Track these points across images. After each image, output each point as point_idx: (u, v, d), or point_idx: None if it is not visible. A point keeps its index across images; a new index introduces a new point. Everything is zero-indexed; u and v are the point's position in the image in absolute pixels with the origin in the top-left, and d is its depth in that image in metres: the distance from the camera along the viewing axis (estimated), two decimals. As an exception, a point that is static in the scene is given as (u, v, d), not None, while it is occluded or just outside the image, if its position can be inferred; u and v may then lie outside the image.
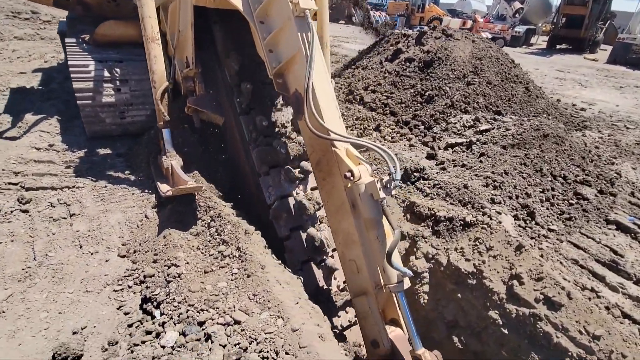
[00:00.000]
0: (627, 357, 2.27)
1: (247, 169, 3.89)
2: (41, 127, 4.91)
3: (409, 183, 4.24)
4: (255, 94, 3.89)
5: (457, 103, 6.34)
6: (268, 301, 2.20)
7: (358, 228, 2.83)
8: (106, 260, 2.98)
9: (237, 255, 2.70)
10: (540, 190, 4.03)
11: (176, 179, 3.33)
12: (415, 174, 4.25)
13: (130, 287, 2.68)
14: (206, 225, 3.11)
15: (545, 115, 6.88)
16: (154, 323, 2.23)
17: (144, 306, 2.44)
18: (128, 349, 2.11)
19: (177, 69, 3.99)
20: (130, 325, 2.33)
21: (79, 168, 4.25)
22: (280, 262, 3.12)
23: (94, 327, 2.35)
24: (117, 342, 2.20)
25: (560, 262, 3.13)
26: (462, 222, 3.40)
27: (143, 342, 2.12)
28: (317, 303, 2.63)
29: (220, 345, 1.94)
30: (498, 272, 2.98)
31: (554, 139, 4.86)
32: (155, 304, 2.37)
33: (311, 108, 2.65)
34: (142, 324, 2.30)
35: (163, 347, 2.01)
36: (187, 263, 2.63)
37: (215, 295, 2.33)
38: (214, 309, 2.19)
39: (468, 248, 3.21)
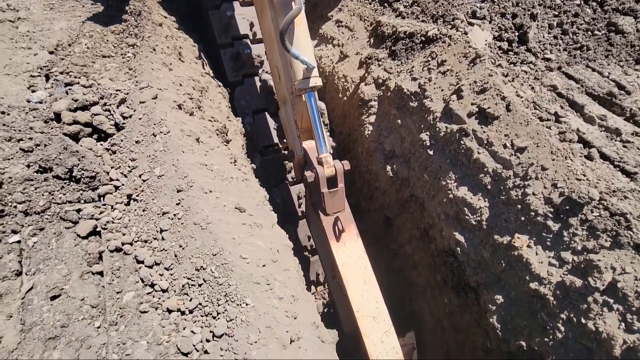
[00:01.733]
0: (547, 169, 1.86)
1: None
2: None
3: (386, 3, 3.45)
4: None
5: None
6: (137, 72, 2.03)
7: (274, 20, 2.40)
8: (35, 54, 2.98)
9: (139, 45, 2.49)
10: (555, 14, 3.06)
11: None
12: (395, -10, 3.40)
13: (45, 74, 2.68)
14: (128, 24, 2.87)
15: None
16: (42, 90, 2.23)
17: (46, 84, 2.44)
18: (8, 106, 2.17)
19: None
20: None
21: (36, -20, 4.04)
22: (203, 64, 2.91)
23: (2, 97, 2.44)
24: (11, 110, 2.26)
25: (532, 87, 2.50)
26: (423, 38, 2.75)
27: (20, 103, 2.15)
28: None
29: (71, 99, 1.88)
30: (442, 90, 2.48)
31: (614, -49, 3.46)
32: (48, 78, 2.35)
33: None
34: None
35: (28, 100, 2.01)
36: (88, 48, 2.49)
37: (98, 71, 2.22)
38: (85, 76, 2.10)
39: (419, 66, 2.66)
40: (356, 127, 3.30)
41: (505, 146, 2.05)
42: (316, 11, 4.06)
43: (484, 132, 2.15)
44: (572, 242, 1.80)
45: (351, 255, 2.33)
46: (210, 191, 1.51)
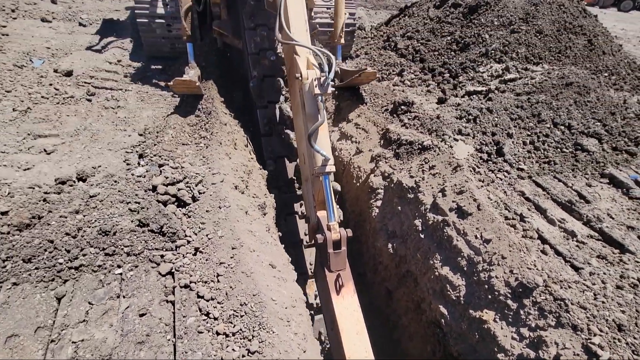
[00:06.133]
0: (506, 258, 2.41)
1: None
2: (116, 46, 6.21)
3: (395, 115, 4.42)
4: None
5: (492, 52, 5.92)
6: (209, 160, 2.88)
7: (304, 123, 3.31)
8: (129, 135, 4.01)
9: (209, 138, 3.43)
10: (529, 134, 3.87)
11: (188, 82, 4.14)
12: (402, 107, 4.39)
13: (137, 151, 3.64)
14: (200, 119, 3.90)
15: (606, 74, 5.97)
16: (137, 166, 3.11)
17: (139, 160, 3.35)
18: (119, 177, 3.03)
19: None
20: (127, 170, 3.27)
21: (134, 78, 5.43)
22: (251, 156, 3.79)
23: (105, 167, 3.34)
24: (113, 175, 3.14)
25: (504, 191, 3.16)
26: (420, 146, 3.57)
27: (126, 175, 3.01)
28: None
29: (164, 176, 2.70)
30: (432, 188, 3.18)
31: (577, 89, 4.40)
32: (143, 156, 3.26)
33: (281, 20, 3.14)
34: (133, 167, 3.21)
35: (132, 174, 2.86)
36: (172, 137, 3.45)
37: (180, 155, 3.11)
38: (172, 160, 2.97)
39: (415, 167, 3.42)
40: (365, 209, 3.98)
41: (476, 237, 2.64)
42: (340, 113, 5.11)
43: (461, 224, 2.77)
44: (528, 319, 2.26)
45: (348, 308, 2.79)
46: (254, 250, 2.16)
